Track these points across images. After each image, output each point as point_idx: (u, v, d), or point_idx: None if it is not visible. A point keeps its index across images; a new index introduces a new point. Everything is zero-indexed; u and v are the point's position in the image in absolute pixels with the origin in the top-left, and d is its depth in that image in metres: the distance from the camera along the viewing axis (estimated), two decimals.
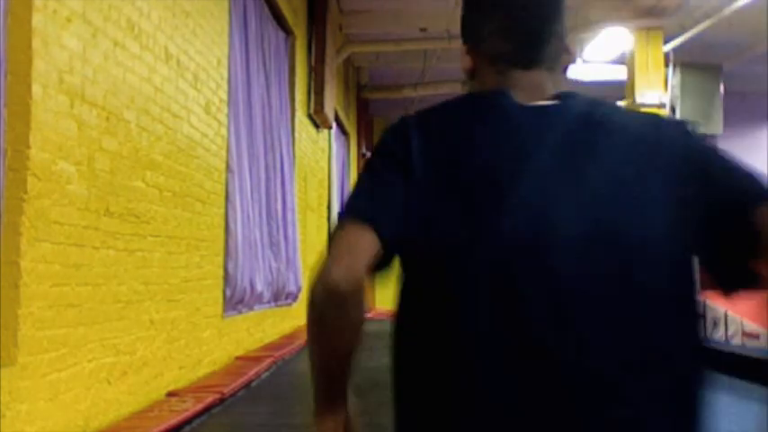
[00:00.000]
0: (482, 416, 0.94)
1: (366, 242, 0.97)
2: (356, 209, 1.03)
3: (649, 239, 0.96)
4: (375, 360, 6.21)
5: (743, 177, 1.04)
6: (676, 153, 1.02)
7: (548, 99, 1.07)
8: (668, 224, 0.97)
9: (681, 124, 1.12)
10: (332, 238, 1.00)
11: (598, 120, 1.05)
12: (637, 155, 1.00)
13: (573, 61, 1.18)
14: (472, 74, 1.16)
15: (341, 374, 1.07)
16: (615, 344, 0.93)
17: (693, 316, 1.05)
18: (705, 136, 1.13)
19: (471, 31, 1.16)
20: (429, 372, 1.00)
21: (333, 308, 0.98)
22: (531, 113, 1.04)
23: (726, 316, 10.00)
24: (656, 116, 1.15)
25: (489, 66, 1.13)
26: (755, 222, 0.96)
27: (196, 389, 4.50)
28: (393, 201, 1.00)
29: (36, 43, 2.98)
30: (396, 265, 1.04)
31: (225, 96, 5.76)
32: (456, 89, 13.08)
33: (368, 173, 1.10)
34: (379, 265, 0.99)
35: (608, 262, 0.94)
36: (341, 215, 1.03)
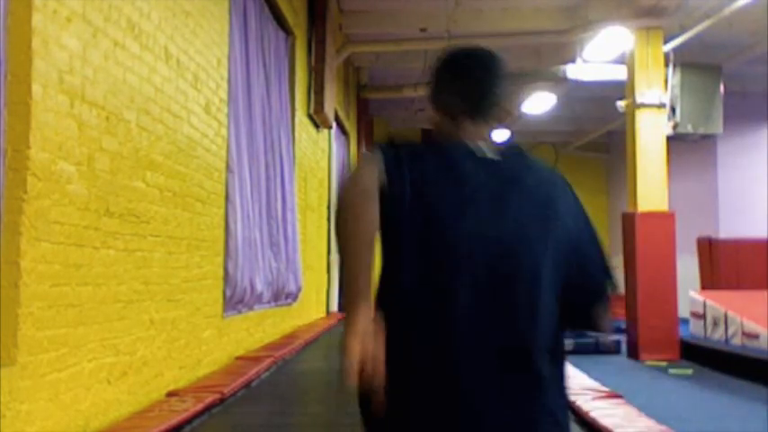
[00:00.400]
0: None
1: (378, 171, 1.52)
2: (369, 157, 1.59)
3: (532, 264, 1.55)
4: None
5: (599, 260, 1.66)
6: (566, 213, 1.63)
7: (489, 147, 1.63)
8: (544, 259, 1.56)
9: (565, 181, 1.71)
10: (356, 167, 1.61)
11: (518, 178, 1.61)
12: (537, 209, 1.58)
13: (512, 118, 1.84)
14: (438, 127, 1.70)
15: (367, 262, 1.48)
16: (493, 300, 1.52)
17: (553, 312, 1.58)
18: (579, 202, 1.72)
19: (438, 97, 1.72)
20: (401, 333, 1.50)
21: (360, 198, 1.49)
22: (474, 165, 1.59)
23: (726, 316, 10.00)
24: (559, 180, 1.70)
25: (448, 119, 1.68)
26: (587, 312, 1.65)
27: (196, 389, 4.50)
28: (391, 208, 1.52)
29: (36, 43, 2.98)
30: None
31: (225, 96, 5.76)
32: None
33: (368, 178, 1.55)
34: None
35: (503, 267, 1.53)
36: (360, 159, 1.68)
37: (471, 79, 1.72)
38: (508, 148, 1.69)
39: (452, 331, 1.49)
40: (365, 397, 1.48)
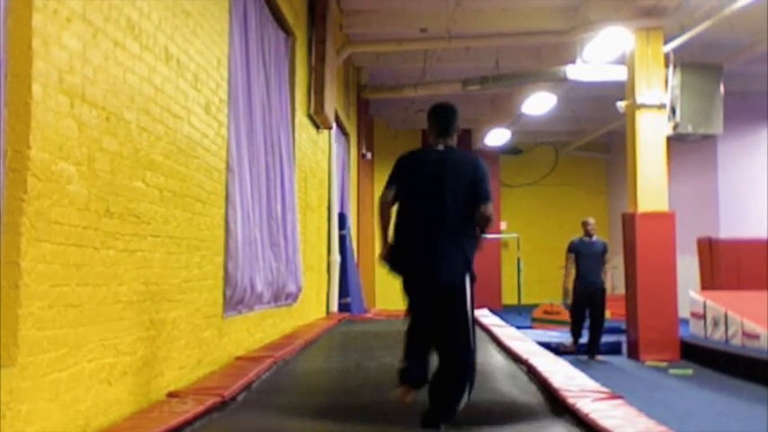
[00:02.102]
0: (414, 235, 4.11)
1: (393, 191, 4.15)
2: (390, 182, 4.18)
3: (460, 195, 4.03)
4: (375, 360, 6.25)
5: (483, 190, 4.06)
6: (472, 172, 4.10)
7: (443, 148, 4.20)
8: (466, 192, 4.04)
9: (478, 160, 4.20)
10: (384, 189, 4.21)
11: (453, 158, 4.15)
12: (462, 170, 4.09)
13: (459, 132, 4.36)
14: (430, 140, 4.27)
15: (386, 228, 4.17)
16: (447, 213, 4.05)
17: (471, 211, 4.05)
18: (484, 165, 4.23)
19: (430, 127, 4.30)
20: (402, 221, 4.15)
21: (382, 207, 4.19)
22: (438, 153, 4.19)
23: (726, 316, 10.00)
24: (470, 155, 4.31)
25: (433, 137, 4.25)
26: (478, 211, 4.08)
27: (196, 389, 4.50)
28: (398, 182, 4.18)
29: (36, 43, 2.98)
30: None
31: (225, 96, 5.76)
32: (456, 89, 13.08)
33: (391, 174, 4.22)
34: (395, 200, 4.17)
35: (448, 198, 4.03)
36: (387, 185, 4.22)
37: (439, 119, 4.28)
38: (450, 148, 4.19)
39: (416, 223, 4.05)
40: (388, 261, 4.13)
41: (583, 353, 10.13)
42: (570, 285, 10.11)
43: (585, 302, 10.04)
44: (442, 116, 4.27)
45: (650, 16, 10.12)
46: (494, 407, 4.47)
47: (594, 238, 10.30)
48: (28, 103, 2.95)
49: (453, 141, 4.22)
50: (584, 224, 10.34)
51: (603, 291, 10.09)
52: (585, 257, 10.11)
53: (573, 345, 10.36)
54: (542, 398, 4.72)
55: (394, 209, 4.15)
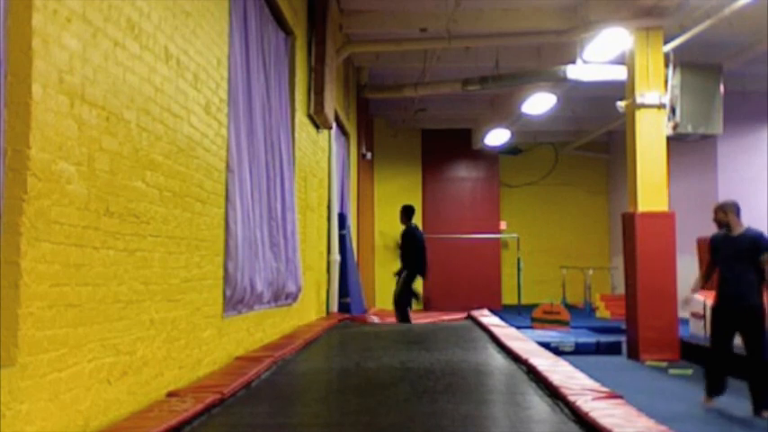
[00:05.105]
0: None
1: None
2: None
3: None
4: (374, 360, 6.27)
5: None
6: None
7: (414, 226, 11.77)
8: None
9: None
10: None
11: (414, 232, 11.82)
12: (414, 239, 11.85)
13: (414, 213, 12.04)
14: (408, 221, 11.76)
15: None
16: None
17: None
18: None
19: (405, 214, 11.58)
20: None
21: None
22: (415, 228, 11.73)
23: None
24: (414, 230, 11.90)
25: (407, 218, 11.51)
26: None
27: (196, 389, 4.50)
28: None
29: (36, 43, 2.98)
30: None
31: (225, 96, 5.76)
32: (456, 89, 13.08)
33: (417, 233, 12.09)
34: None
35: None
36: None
37: (409, 211, 11.52)
38: (415, 225, 11.68)
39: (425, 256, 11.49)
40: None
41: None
42: (697, 289, 7.28)
43: (730, 326, 6.76)
44: (410, 211, 11.27)
45: (650, 16, 10.12)
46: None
47: (743, 229, 6.89)
48: (28, 103, 2.95)
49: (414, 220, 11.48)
50: (715, 212, 7.16)
51: (758, 309, 6.53)
52: (728, 259, 6.81)
53: (709, 397, 6.84)
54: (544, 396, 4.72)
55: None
